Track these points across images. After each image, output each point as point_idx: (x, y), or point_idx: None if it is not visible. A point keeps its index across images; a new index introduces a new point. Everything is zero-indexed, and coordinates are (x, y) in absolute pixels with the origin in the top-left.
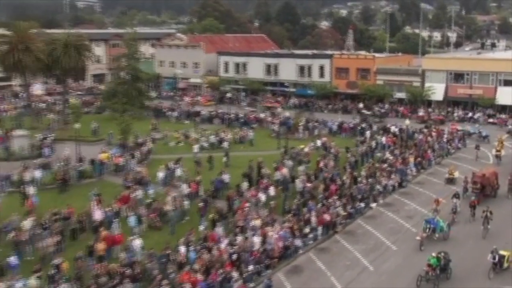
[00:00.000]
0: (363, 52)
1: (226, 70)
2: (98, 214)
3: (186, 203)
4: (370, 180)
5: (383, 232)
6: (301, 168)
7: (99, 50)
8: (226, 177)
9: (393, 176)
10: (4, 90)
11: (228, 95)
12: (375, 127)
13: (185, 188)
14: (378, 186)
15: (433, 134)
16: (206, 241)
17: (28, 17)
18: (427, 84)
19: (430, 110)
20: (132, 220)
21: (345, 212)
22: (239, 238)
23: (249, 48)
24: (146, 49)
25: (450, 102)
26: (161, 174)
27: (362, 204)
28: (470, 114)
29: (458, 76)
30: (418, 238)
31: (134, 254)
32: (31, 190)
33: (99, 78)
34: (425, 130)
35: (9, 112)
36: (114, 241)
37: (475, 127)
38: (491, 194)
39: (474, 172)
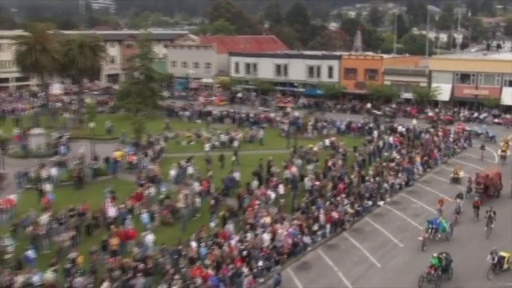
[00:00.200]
0: (371, 53)
1: (237, 70)
2: (112, 211)
3: (197, 200)
4: (377, 178)
5: (390, 230)
6: (310, 167)
7: (113, 50)
8: (236, 176)
9: (400, 175)
10: (22, 89)
11: (239, 95)
12: (382, 127)
13: (196, 186)
14: (385, 185)
15: (440, 134)
16: (217, 238)
17: (44, 18)
18: (433, 85)
19: (436, 110)
20: (145, 217)
21: (353, 210)
22: (249, 235)
23: (260, 49)
24: (159, 49)
25: (456, 102)
26: (173, 172)
27: (370, 202)
28: (476, 114)
29: (464, 77)
30: (420, 238)
31: (146, 249)
32: (47, 187)
33: (113, 78)
34: (432, 130)
35: (27, 112)
36: (127, 236)
37: (482, 128)
38: (494, 195)
39: (477, 172)
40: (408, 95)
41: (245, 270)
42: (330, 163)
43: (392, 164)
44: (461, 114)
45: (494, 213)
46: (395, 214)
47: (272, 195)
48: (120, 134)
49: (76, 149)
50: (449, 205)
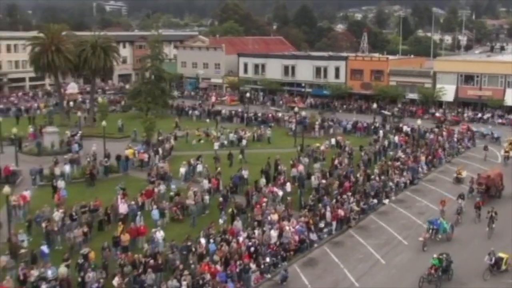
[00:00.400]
0: (377, 54)
1: (246, 71)
2: (123, 207)
3: (206, 197)
4: (382, 177)
5: (395, 227)
6: (316, 165)
7: (125, 51)
8: (245, 173)
9: (405, 173)
10: (36, 89)
11: (247, 95)
12: (388, 127)
13: (205, 184)
14: (390, 183)
15: (444, 133)
16: (226, 234)
17: (58, 20)
18: (438, 86)
19: (440, 111)
20: (155, 213)
21: (359, 208)
22: (257, 232)
23: (268, 50)
24: (169, 50)
25: (460, 103)
26: (183, 170)
27: (375, 201)
28: (479, 115)
29: (468, 78)
30: (421, 239)
31: (157, 245)
32: (60, 183)
33: (125, 78)
34: (436, 130)
35: (41, 110)
36: (138, 233)
37: (488, 129)
38: (495, 195)
39: (479, 173)
40: (413, 96)
41: (252, 266)
42: (336, 162)
43: (397, 163)
44: (465, 115)
45: (496, 213)
46: (399, 212)
47: (280, 192)
48: (131, 133)
49: (89, 147)
50: (451, 205)
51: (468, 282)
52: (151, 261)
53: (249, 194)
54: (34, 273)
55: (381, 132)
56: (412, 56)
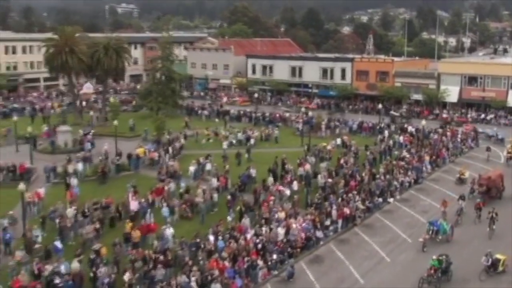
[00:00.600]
0: (382, 56)
1: (254, 72)
2: (134, 205)
3: (215, 195)
4: (387, 176)
5: (399, 225)
6: (323, 164)
7: (136, 52)
8: (253, 172)
9: (409, 173)
10: (51, 89)
11: (256, 95)
12: (393, 127)
13: (214, 182)
14: (395, 182)
15: (448, 134)
16: (234, 231)
17: (72, 22)
18: (442, 87)
19: (445, 111)
20: (165, 211)
21: (364, 206)
22: (265, 229)
23: (275, 51)
24: (179, 51)
25: (464, 104)
26: (192, 169)
27: (380, 199)
28: (483, 116)
29: (471, 80)
30: (421, 239)
31: (166, 241)
32: (73, 181)
33: (136, 78)
34: (440, 130)
35: (55, 110)
36: (148, 230)
37: (493, 130)
38: (496, 196)
39: (480, 174)
40: (417, 97)
41: (260, 262)
42: (342, 161)
43: (402, 163)
44: (469, 116)
45: (496, 214)
46: (404, 210)
47: (287, 191)
48: (142, 132)
49: (101, 145)
50: (453, 205)
51: (468, 282)
52: (161, 257)
53: (257, 192)
54: (48, 267)
55: (386, 132)
56: (417, 58)
